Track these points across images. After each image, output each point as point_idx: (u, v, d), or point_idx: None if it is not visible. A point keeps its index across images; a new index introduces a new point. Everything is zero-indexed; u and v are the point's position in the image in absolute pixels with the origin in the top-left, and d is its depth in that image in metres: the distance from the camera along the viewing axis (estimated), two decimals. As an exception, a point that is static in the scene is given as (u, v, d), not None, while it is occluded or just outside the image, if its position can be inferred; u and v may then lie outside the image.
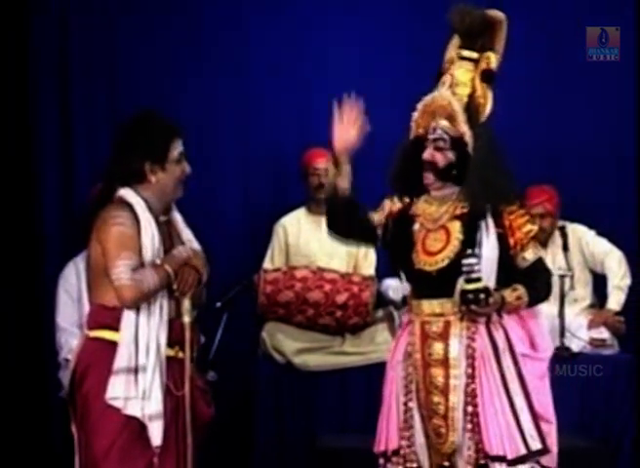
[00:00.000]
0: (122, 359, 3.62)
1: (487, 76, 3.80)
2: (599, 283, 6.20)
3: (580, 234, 6.18)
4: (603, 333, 6.00)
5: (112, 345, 3.65)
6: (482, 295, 3.58)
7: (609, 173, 6.62)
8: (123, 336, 3.64)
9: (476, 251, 3.64)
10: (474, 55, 3.82)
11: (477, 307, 3.59)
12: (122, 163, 3.75)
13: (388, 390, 3.84)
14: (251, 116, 6.58)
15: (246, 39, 6.54)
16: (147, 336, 3.65)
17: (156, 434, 3.62)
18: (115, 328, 3.65)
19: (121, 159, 3.76)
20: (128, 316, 3.65)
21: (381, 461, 3.83)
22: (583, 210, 6.39)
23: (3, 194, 6.10)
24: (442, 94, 3.79)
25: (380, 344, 5.76)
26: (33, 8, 6.28)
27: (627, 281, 6.07)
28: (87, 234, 3.77)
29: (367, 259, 6.22)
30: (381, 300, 5.98)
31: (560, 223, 6.23)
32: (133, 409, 3.61)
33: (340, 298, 5.80)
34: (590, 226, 6.22)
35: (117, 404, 3.61)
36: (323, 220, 6.17)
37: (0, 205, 6.08)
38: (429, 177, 3.79)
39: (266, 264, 6.14)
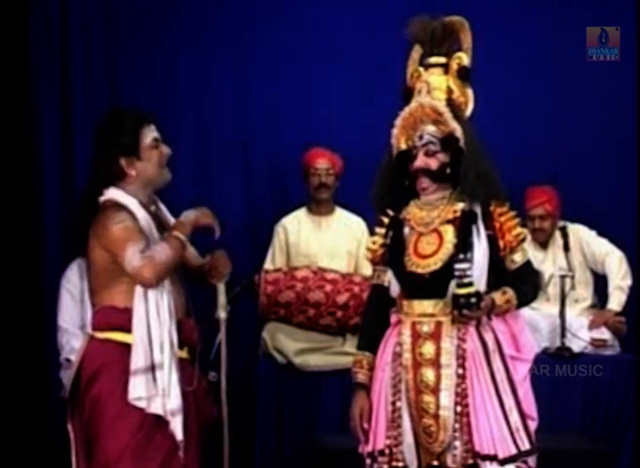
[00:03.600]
0: (139, 359, 3.62)
1: (462, 74, 3.82)
2: (600, 283, 6.21)
3: (581, 234, 6.19)
4: (604, 334, 6.00)
5: (124, 347, 3.65)
6: (473, 300, 3.59)
7: (609, 173, 6.62)
8: (137, 336, 3.64)
9: (468, 255, 3.65)
10: (441, 59, 3.84)
11: (468, 311, 3.61)
12: (100, 165, 3.76)
13: (377, 391, 3.83)
14: (251, 116, 6.59)
15: (247, 39, 6.54)
16: (160, 333, 3.66)
17: (179, 428, 3.65)
18: (127, 329, 3.65)
19: (98, 161, 3.77)
20: (138, 315, 3.65)
21: (368, 461, 3.83)
22: (584, 210, 6.40)
23: (3, 194, 6.10)
24: (422, 101, 3.81)
25: (380, 344, 5.77)
26: (33, 8, 6.28)
27: (628, 281, 6.08)
28: (81, 242, 3.76)
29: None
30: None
31: (561, 224, 6.23)
32: (155, 408, 3.62)
33: (341, 299, 5.81)
34: (591, 226, 6.22)
35: (140, 404, 3.61)
36: (323, 220, 6.27)
37: (0, 205, 6.08)
38: (425, 182, 3.79)
39: (267, 265, 6.15)
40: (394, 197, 3.88)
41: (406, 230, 3.84)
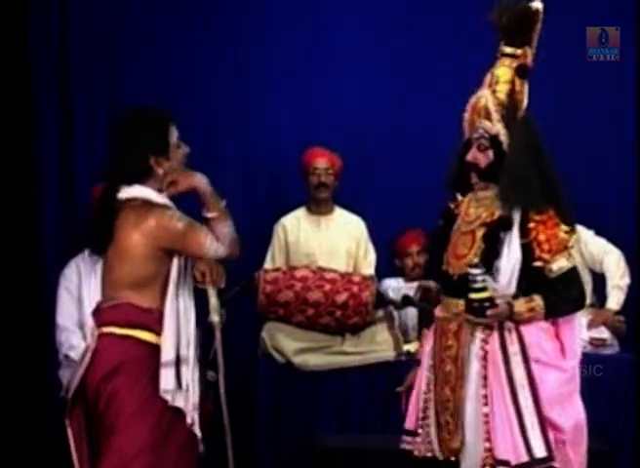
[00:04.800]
0: (170, 351, 3.64)
1: (522, 71, 3.79)
2: (599, 283, 6.20)
3: (579, 234, 6.17)
4: (603, 333, 6.01)
5: (144, 344, 3.66)
6: (487, 304, 3.61)
7: (609, 173, 6.63)
8: (168, 331, 3.65)
9: (478, 262, 3.66)
10: (517, 51, 3.82)
11: (474, 317, 3.64)
12: (126, 162, 3.71)
13: (418, 378, 3.93)
14: (251, 116, 6.59)
15: (246, 39, 6.54)
16: (187, 331, 3.69)
17: (197, 424, 3.67)
18: (149, 328, 3.66)
19: (123, 159, 3.72)
20: (171, 313, 3.67)
21: (407, 438, 3.92)
22: (583, 209, 6.38)
23: (3, 194, 6.10)
24: (483, 93, 3.80)
25: (379, 344, 5.77)
26: (33, 8, 6.28)
27: (627, 280, 6.08)
28: (100, 239, 3.73)
29: (367, 259, 6.23)
30: (381, 300, 5.99)
31: (559, 223, 6.23)
32: (179, 402, 3.64)
33: (340, 298, 5.80)
34: (590, 226, 6.22)
35: (167, 396, 3.63)
36: (323, 220, 6.28)
37: (0, 205, 6.08)
38: (474, 177, 3.81)
39: (267, 264, 6.15)
40: (462, 181, 3.88)
41: (455, 226, 3.88)
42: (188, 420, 3.67)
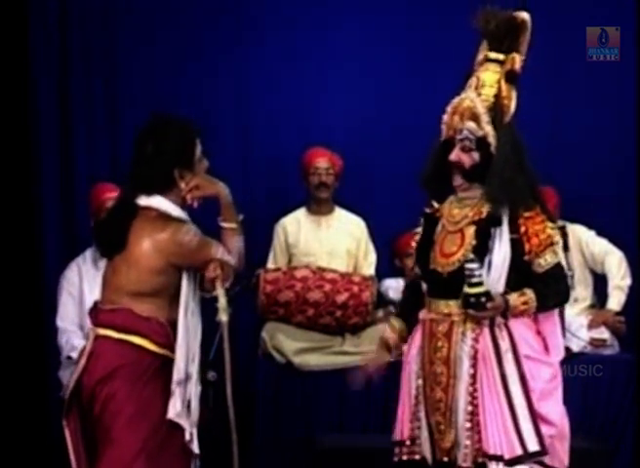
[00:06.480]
0: (181, 369, 3.65)
1: (511, 77, 3.81)
2: (599, 283, 6.21)
3: (580, 234, 6.19)
4: (603, 333, 6.01)
5: (139, 349, 3.65)
6: (483, 299, 3.65)
7: (609, 172, 6.63)
8: (180, 347, 3.65)
9: (474, 257, 3.68)
10: (500, 56, 3.83)
11: (475, 311, 3.67)
12: (150, 171, 3.69)
13: (403, 383, 3.92)
14: (251, 116, 6.60)
15: (246, 39, 6.55)
16: (195, 346, 3.71)
17: (195, 441, 3.67)
18: (145, 335, 3.66)
19: (148, 167, 3.69)
20: (183, 330, 3.67)
21: (397, 450, 3.90)
22: (583, 210, 6.40)
23: (3, 195, 6.10)
24: (468, 95, 3.82)
25: (379, 344, 5.78)
26: (33, 8, 6.28)
27: (628, 281, 6.08)
28: (112, 242, 3.71)
29: (367, 259, 6.23)
30: (382, 300, 6.00)
31: (560, 223, 6.21)
32: (180, 418, 3.64)
33: (341, 298, 5.81)
34: (590, 226, 6.23)
35: (173, 416, 3.63)
36: (323, 220, 6.28)
37: (0, 205, 6.08)
38: (457, 179, 3.83)
39: (269, 265, 6.15)
40: (440, 182, 3.89)
41: (438, 227, 3.89)
42: (187, 437, 3.67)
